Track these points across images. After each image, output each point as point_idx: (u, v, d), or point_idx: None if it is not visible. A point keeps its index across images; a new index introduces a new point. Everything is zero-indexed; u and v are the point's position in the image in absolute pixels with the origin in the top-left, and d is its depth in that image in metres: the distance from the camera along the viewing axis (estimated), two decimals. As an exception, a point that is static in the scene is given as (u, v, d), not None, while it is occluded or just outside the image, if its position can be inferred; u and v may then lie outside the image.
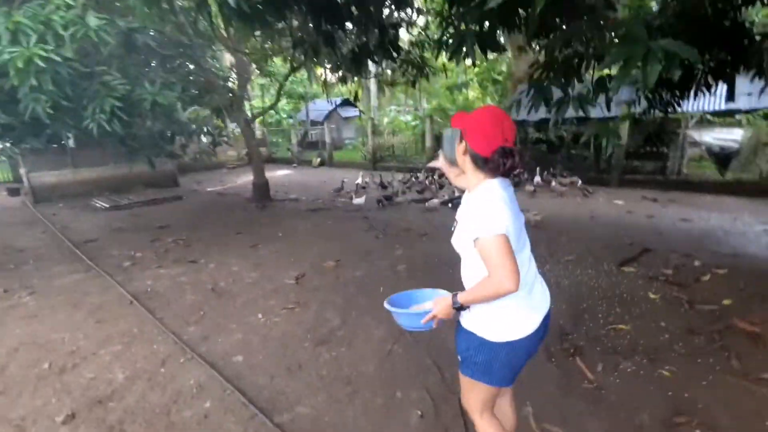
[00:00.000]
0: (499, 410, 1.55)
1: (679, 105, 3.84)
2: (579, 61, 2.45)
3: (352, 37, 2.87)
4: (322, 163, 14.17)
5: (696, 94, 3.50)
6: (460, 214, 1.30)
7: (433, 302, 1.33)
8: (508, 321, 1.26)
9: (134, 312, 3.37)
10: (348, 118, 21.80)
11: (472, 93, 13.81)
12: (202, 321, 3.20)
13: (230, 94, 7.04)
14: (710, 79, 3.34)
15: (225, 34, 6.86)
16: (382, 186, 8.57)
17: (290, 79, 16.21)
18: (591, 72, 2.49)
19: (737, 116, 7.19)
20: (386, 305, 1.41)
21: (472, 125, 1.20)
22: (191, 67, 5.73)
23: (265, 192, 7.99)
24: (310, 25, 2.51)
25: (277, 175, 12.35)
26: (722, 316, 2.93)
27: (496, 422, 1.46)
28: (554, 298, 3.57)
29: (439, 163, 1.33)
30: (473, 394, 1.41)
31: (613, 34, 1.83)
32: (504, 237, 1.10)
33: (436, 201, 6.87)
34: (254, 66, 9.45)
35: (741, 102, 6.45)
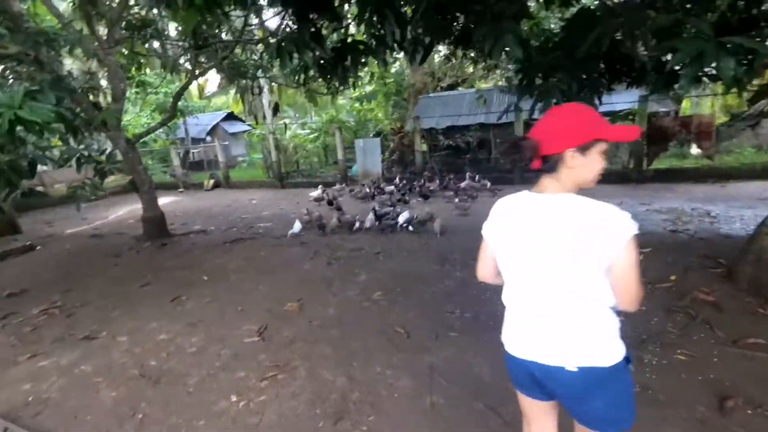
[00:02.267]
0: None
1: None
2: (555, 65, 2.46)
3: (340, 30, 2.35)
4: (216, 185, 12.45)
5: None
6: None
7: None
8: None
9: (15, 444, 2.15)
10: (235, 134, 19.89)
11: (373, 103, 13.96)
12: (143, 429, 2.21)
13: (96, 110, 5.45)
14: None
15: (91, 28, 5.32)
16: (329, 203, 7.70)
17: (164, 91, 14.02)
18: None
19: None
20: None
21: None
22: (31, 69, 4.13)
23: (162, 226, 6.47)
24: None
25: (162, 203, 10.30)
26: (680, 291, 3.33)
27: None
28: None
29: None
30: None
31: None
32: (484, 237, 1.33)
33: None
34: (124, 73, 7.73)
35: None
